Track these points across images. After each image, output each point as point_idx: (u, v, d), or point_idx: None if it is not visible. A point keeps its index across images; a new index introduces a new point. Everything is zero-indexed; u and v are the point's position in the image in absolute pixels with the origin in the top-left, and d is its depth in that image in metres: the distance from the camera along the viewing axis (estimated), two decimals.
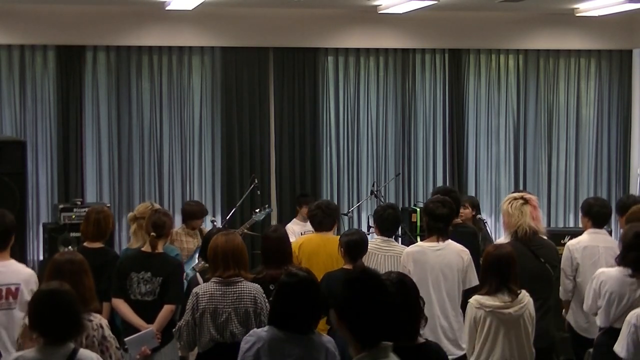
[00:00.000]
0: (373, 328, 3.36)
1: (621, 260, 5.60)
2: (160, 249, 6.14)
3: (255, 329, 4.40)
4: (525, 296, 5.18)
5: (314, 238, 6.73)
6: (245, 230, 8.69)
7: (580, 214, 6.90)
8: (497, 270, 5.09)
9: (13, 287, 5.31)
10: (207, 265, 5.72)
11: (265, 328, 4.25)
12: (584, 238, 6.60)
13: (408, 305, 3.86)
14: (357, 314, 3.35)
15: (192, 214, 8.16)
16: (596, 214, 6.60)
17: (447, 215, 6.04)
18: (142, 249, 6.21)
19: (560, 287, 6.57)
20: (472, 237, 6.83)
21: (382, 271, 6.17)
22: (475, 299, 5.12)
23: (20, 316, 5.23)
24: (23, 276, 5.39)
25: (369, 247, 6.46)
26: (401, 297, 3.82)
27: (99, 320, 4.55)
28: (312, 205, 7.06)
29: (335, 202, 10.89)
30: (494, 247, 5.31)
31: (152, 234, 6.08)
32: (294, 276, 4.25)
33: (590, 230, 6.61)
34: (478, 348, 5.13)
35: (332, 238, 6.59)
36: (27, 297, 5.25)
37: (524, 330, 5.15)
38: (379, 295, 3.38)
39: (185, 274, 6.43)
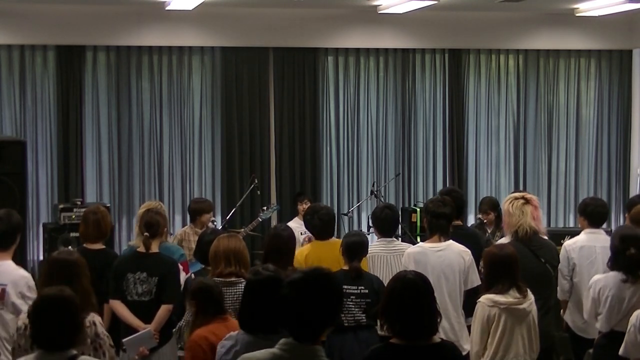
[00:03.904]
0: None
1: (613, 265, 5.61)
2: (154, 249, 6.13)
3: (231, 333, 4.27)
4: (531, 293, 5.23)
5: (318, 247, 6.53)
6: (249, 232, 8.70)
7: (577, 214, 6.90)
8: (507, 269, 5.12)
9: None
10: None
11: (241, 331, 4.13)
12: (580, 238, 6.59)
13: (424, 305, 3.89)
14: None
15: (201, 210, 8.18)
16: (591, 213, 6.59)
17: (448, 214, 6.04)
18: (137, 249, 6.20)
19: (558, 287, 6.56)
20: (474, 238, 6.81)
21: (393, 271, 6.20)
22: (487, 298, 5.12)
23: (9, 317, 5.22)
24: (12, 277, 5.32)
25: (374, 250, 6.45)
26: (417, 296, 3.88)
27: (91, 317, 4.54)
28: (309, 214, 6.76)
29: (335, 202, 10.93)
30: (497, 247, 5.33)
31: (146, 233, 6.07)
32: (259, 274, 4.17)
33: (588, 230, 6.60)
34: (494, 347, 5.10)
35: (336, 243, 6.50)
36: (15, 299, 5.22)
37: (533, 326, 5.20)
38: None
39: (191, 274, 6.42)
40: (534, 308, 5.21)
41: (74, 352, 3.84)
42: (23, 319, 4.52)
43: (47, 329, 3.79)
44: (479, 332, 5.14)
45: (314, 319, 3.47)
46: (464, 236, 6.26)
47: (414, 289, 3.90)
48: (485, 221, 8.55)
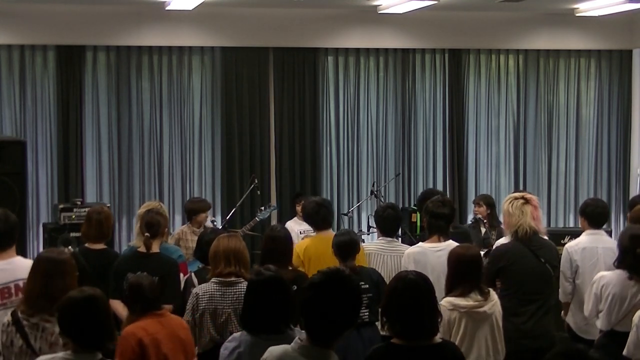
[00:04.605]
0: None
1: (619, 263, 5.60)
2: (155, 249, 6.15)
3: (234, 334, 4.32)
4: (494, 294, 5.19)
5: (317, 240, 6.57)
6: (247, 231, 8.71)
7: (578, 215, 6.91)
8: (471, 270, 5.07)
9: (21, 283, 5.25)
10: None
11: (244, 332, 4.17)
12: (582, 239, 6.60)
13: (425, 305, 3.89)
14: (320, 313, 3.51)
15: (196, 209, 8.18)
16: (591, 214, 6.60)
17: (447, 214, 6.05)
18: (138, 249, 6.21)
19: (560, 289, 6.56)
20: (465, 237, 6.83)
21: (388, 271, 6.21)
22: (447, 301, 5.04)
23: None
24: (28, 271, 5.38)
25: (373, 247, 6.48)
26: (418, 296, 3.89)
27: None
28: (309, 203, 6.86)
29: (335, 202, 10.94)
30: (463, 247, 5.26)
31: (146, 234, 6.08)
32: (261, 275, 4.22)
33: (589, 231, 6.60)
34: None
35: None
36: None
37: (496, 328, 5.15)
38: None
39: (190, 274, 6.43)
40: (497, 309, 5.15)
41: (100, 355, 3.87)
42: (7, 316, 4.56)
43: (79, 329, 3.84)
44: (440, 335, 5.11)
45: (333, 321, 3.52)
46: (454, 235, 6.27)
47: (415, 289, 3.90)
48: (481, 217, 8.54)
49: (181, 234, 8.11)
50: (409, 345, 3.87)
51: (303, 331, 4.09)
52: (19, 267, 5.36)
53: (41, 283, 4.49)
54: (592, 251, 6.48)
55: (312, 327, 3.55)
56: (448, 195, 10.65)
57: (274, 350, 3.65)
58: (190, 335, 5.01)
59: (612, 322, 5.54)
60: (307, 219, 6.89)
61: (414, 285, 3.92)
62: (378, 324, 5.75)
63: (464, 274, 5.06)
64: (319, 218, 6.66)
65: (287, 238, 5.90)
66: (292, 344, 3.60)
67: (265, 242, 5.92)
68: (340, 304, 3.51)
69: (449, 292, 5.10)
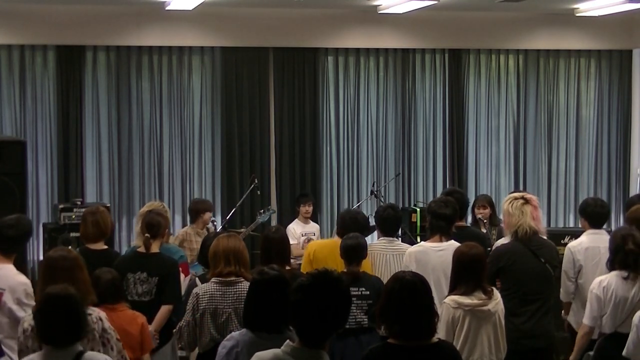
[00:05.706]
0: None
1: (612, 264, 5.60)
2: (155, 249, 6.14)
3: (232, 333, 4.33)
4: (497, 293, 5.21)
5: (327, 244, 6.56)
6: (250, 233, 8.71)
7: (578, 215, 6.90)
8: (473, 270, 5.07)
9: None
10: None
11: (243, 331, 4.18)
12: (584, 239, 6.58)
13: (422, 305, 3.89)
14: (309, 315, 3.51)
15: (201, 209, 8.18)
16: (591, 214, 6.59)
17: (448, 215, 6.05)
18: (138, 249, 6.21)
19: (561, 289, 6.56)
20: (479, 239, 6.80)
21: (391, 270, 6.21)
22: (452, 299, 5.07)
23: (3, 321, 5.23)
24: (10, 283, 5.29)
25: (375, 247, 6.47)
26: (416, 297, 3.89)
27: (97, 313, 4.60)
28: (346, 214, 6.78)
29: (335, 202, 10.94)
30: (467, 246, 5.25)
31: (147, 234, 6.08)
32: (264, 274, 4.24)
33: (590, 231, 6.59)
34: (458, 348, 5.06)
35: None
36: (12, 304, 5.20)
37: (499, 326, 5.16)
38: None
39: (191, 275, 6.43)
40: (500, 308, 5.17)
41: (81, 348, 3.92)
42: (29, 320, 4.53)
43: (54, 327, 3.87)
44: (444, 334, 5.06)
45: (322, 323, 3.50)
46: (468, 237, 6.24)
47: (412, 290, 3.91)
48: (481, 217, 8.54)
49: (185, 236, 8.11)
50: (406, 345, 3.87)
51: None
52: (3, 276, 5.30)
53: (65, 280, 4.47)
54: (594, 251, 6.47)
55: (303, 329, 3.53)
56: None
57: (263, 356, 3.63)
58: (146, 331, 5.23)
59: (617, 324, 5.53)
60: (338, 224, 6.73)
61: (411, 286, 3.92)
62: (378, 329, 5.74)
63: (467, 272, 5.07)
64: (343, 229, 6.50)
65: (282, 238, 5.90)
66: (282, 347, 3.59)
67: (260, 243, 5.96)
68: (329, 305, 3.50)
69: (452, 289, 5.12)
